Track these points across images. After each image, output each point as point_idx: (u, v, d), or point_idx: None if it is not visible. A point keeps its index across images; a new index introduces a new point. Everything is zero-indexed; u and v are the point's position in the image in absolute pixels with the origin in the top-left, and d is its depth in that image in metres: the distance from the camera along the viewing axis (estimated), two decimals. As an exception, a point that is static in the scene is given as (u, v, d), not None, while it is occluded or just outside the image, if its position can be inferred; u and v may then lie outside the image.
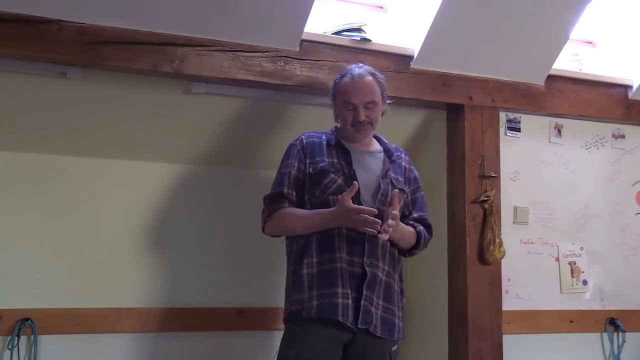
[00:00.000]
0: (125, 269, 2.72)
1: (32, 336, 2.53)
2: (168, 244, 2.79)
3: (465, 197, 2.86)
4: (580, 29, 3.08)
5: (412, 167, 2.46)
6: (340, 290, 2.17)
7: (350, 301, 2.17)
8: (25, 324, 2.52)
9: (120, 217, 2.74)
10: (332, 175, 2.26)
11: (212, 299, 2.79)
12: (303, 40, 2.63)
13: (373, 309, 2.21)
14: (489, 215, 2.86)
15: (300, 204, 2.29)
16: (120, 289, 2.70)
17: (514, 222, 3.00)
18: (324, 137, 2.37)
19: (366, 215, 2.11)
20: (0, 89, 2.42)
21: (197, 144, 2.79)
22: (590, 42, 3.39)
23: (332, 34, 2.75)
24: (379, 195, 2.27)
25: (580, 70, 3.21)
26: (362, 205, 2.19)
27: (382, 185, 2.29)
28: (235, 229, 2.83)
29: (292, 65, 2.62)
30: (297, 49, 2.63)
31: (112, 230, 2.72)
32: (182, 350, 2.74)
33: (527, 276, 3.01)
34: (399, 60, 2.80)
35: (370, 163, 2.33)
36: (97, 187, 2.72)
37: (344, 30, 2.77)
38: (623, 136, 3.30)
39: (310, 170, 2.28)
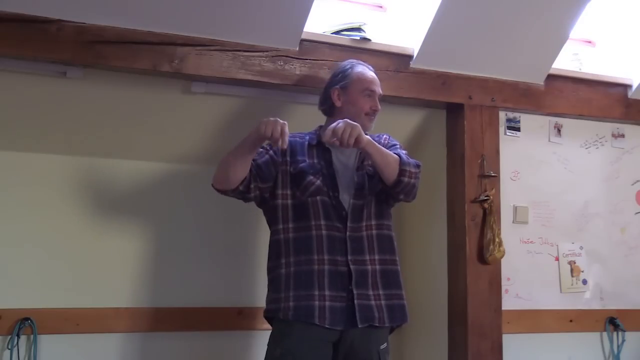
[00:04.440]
0: (125, 269, 2.72)
1: (32, 336, 2.53)
2: (169, 244, 2.79)
3: (465, 196, 2.86)
4: (580, 28, 3.08)
5: (392, 140, 2.42)
6: (317, 292, 2.17)
7: (327, 303, 2.16)
8: (25, 324, 2.52)
9: (120, 216, 2.74)
10: (311, 177, 2.27)
11: (212, 298, 2.79)
12: (303, 40, 2.63)
13: (373, 302, 2.21)
14: (488, 214, 2.86)
15: (258, 179, 2.25)
16: (120, 288, 2.70)
17: (513, 222, 3.01)
18: (306, 137, 2.39)
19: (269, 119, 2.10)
20: (0, 89, 2.42)
21: (197, 143, 2.78)
22: (590, 42, 3.39)
23: (332, 33, 2.75)
24: (354, 190, 2.28)
25: (580, 69, 3.21)
26: (341, 202, 2.25)
27: (356, 178, 2.29)
28: (236, 228, 2.83)
29: (292, 65, 2.62)
30: (297, 49, 2.63)
31: (112, 230, 2.72)
32: (182, 349, 2.74)
33: (526, 275, 3.01)
34: (399, 60, 2.80)
35: (350, 158, 2.34)
36: (97, 187, 2.72)
37: (343, 30, 2.77)
38: (623, 135, 3.30)
39: (291, 169, 2.29)
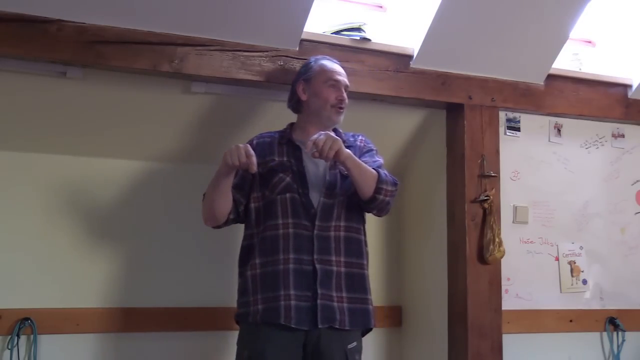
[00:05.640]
0: (125, 269, 2.72)
1: (32, 336, 2.53)
2: (169, 244, 2.79)
3: (465, 196, 2.86)
4: (580, 28, 3.08)
5: (369, 143, 2.42)
6: (282, 292, 2.16)
7: (293, 302, 2.15)
8: (25, 324, 2.52)
9: (121, 216, 2.74)
10: (281, 174, 2.26)
11: (211, 298, 2.79)
12: (303, 40, 2.63)
13: (336, 304, 2.19)
14: (488, 214, 2.86)
15: (242, 199, 2.28)
16: (120, 289, 2.71)
17: (513, 222, 3.00)
18: (276, 135, 2.37)
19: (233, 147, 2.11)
20: (0, 89, 2.42)
21: (197, 143, 2.78)
22: (590, 42, 3.39)
23: (332, 33, 2.75)
24: (324, 189, 2.26)
25: (580, 69, 3.21)
26: (310, 200, 2.23)
27: (327, 177, 2.27)
28: (235, 228, 2.82)
29: (292, 65, 2.62)
30: (297, 49, 2.63)
31: (112, 230, 2.73)
32: (182, 349, 2.75)
33: (526, 275, 3.01)
34: (399, 60, 2.80)
35: None
36: (97, 187, 2.73)
37: (343, 30, 2.77)
38: (623, 135, 3.30)
39: (260, 169, 2.27)
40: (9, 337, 2.51)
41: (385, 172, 2.27)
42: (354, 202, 2.29)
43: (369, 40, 2.76)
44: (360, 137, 2.43)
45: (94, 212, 2.71)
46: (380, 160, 2.36)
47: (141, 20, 2.39)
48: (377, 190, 2.20)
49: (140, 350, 2.70)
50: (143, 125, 2.67)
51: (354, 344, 2.24)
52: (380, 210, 2.27)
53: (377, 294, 3.09)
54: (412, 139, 3.07)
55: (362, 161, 2.28)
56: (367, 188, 2.19)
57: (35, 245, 2.62)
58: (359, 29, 2.79)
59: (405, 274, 3.19)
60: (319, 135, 2.12)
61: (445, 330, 2.90)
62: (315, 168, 2.30)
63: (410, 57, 2.81)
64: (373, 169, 2.23)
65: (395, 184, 2.26)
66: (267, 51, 2.58)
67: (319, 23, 2.76)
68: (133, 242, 2.75)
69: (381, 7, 3.00)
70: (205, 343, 2.78)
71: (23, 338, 2.53)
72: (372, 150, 2.40)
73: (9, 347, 2.49)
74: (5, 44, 2.25)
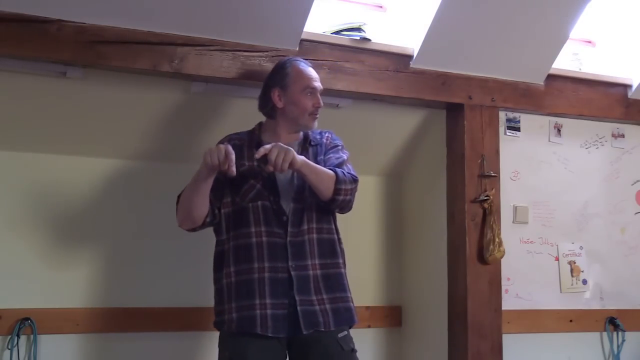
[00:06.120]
0: (125, 269, 2.72)
1: (32, 336, 2.53)
2: (171, 245, 2.78)
3: (465, 196, 2.86)
4: (580, 28, 3.08)
5: (335, 140, 2.37)
6: (257, 301, 2.14)
7: (269, 311, 2.13)
8: (25, 324, 2.52)
9: (122, 216, 2.74)
10: (251, 181, 2.22)
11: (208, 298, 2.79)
12: (303, 40, 2.63)
13: (317, 307, 2.17)
14: (488, 214, 2.86)
15: (216, 202, 2.23)
16: (119, 288, 2.71)
17: (513, 222, 3.01)
18: (245, 137, 2.32)
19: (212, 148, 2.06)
20: (0, 89, 2.42)
21: (197, 143, 2.78)
22: (590, 42, 3.39)
23: (332, 33, 2.75)
24: (293, 193, 2.24)
25: (580, 69, 3.22)
26: (281, 206, 2.20)
27: (295, 181, 2.24)
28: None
29: (292, 65, 2.62)
30: (297, 49, 2.62)
31: (113, 230, 2.73)
32: (183, 349, 2.76)
33: (526, 276, 3.01)
34: (399, 60, 2.80)
35: None
36: (97, 187, 2.73)
37: (343, 30, 2.77)
38: (622, 135, 3.30)
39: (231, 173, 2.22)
40: (9, 337, 2.51)
41: (345, 169, 2.23)
42: (322, 204, 2.24)
43: (369, 40, 2.76)
44: (326, 134, 2.39)
45: (94, 212, 2.71)
46: (344, 155, 2.32)
47: (141, 20, 2.39)
48: (336, 191, 2.16)
49: (140, 350, 2.70)
50: (143, 125, 2.67)
51: (345, 332, 2.22)
52: (342, 208, 2.25)
53: (377, 294, 3.13)
54: (412, 139, 3.07)
55: (327, 157, 2.27)
56: (325, 191, 2.16)
57: (35, 245, 2.61)
58: (359, 29, 2.78)
59: (405, 274, 3.19)
60: (272, 146, 2.06)
61: (445, 330, 2.90)
62: (285, 172, 2.22)
63: (410, 57, 2.81)
64: (331, 168, 2.20)
65: (354, 181, 2.21)
66: (267, 51, 2.58)
67: (319, 23, 2.76)
68: (134, 242, 2.75)
69: (381, 7, 3.00)
70: (206, 342, 2.78)
71: (23, 338, 2.53)
72: (337, 146, 2.36)
73: (9, 347, 2.49)
74: (5, 44, 2.25)
